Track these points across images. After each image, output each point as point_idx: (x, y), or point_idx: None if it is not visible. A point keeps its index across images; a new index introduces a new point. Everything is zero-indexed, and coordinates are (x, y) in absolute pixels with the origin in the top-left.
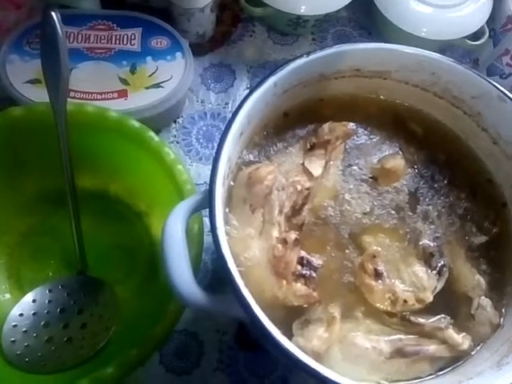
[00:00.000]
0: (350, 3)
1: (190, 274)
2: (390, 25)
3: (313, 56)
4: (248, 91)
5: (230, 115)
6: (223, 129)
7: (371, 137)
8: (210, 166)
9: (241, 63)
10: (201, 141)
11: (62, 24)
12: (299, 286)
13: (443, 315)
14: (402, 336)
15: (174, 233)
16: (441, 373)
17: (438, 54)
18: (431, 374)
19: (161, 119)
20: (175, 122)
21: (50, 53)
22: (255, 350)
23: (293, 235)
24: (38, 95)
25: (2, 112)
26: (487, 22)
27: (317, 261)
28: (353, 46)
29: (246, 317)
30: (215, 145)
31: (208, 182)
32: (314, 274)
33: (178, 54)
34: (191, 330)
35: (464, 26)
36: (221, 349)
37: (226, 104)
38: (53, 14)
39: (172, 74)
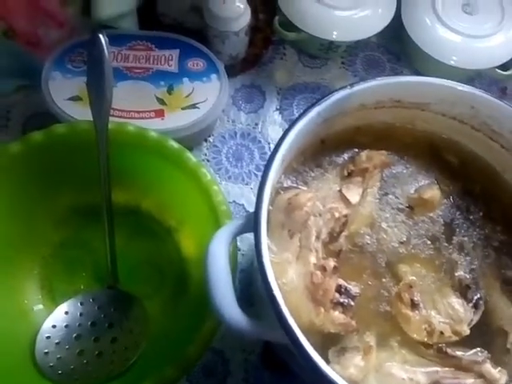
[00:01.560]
0: (380, 30)
1: (233, 299)
2: (419, 52)
3: (356, 88)
4: (293, 121)
5: (275, 144)
6: (268, 157)
7: (407, 166)
8: (239, 185)
9: (271, 85)
10: (230, 160)
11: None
12: (337, 315)
13: (480, 349)
14: (439, 368)
15: (217, 257)
16: None
17: (479, 89)
18: None
19: (193, 138)
20: (206, 140)
21: (96, 73)
22: (281, 370)
23: (332, 263)
24: (79, 112)
25: (46, 129)
26: None
27: (355, 289)
28: (395, 78)
29: (288, 343)
30: (244, 164)
31: (236, 200)
32: (352, 303)
33: (214, 76)
34: (218, 349)
35: (494, 56)
36: (246, 368)
37: (256, 124)
38: (101, 36)
39: (207, 95)
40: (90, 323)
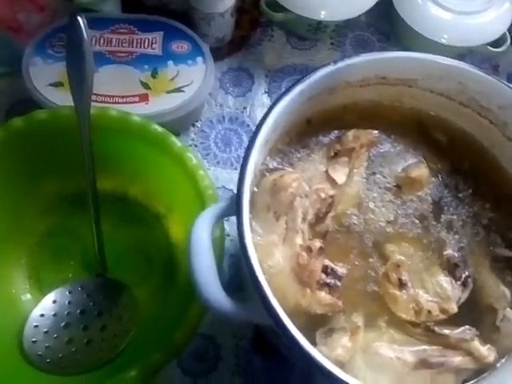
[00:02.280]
0: (369, 9)
1: (217, 282)
2: (409, 30)
3: (340, 64)
4: (275, 99)
5: (258, 123)
6: (250, 137)
7: (395, 145)
8: (228, 170)
9: (259, 67)
10: (219, 145)
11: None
12: (324, 295)
13: (468, 326)
14: (427, 347)
15: (200, 240)
16: None
17: (467, 64)
18: None
19: (180, 123)
20: (194, 125)
21: (75, 57)
22: (271, 354)
23: (317, 243)
24: (61, 98)
25: (27, 115)
26: (509, 29)
27: (341, 270)
28: (380, 54)
29: (272, 324)
30: (233, 149)
31: (225, 185)
32: (338, 283)
33: (199, 59)
34: (208, 334)
35: (485, 32)
36: (237, 353)
37: (244, 108)
38: (79, 18)
39: (193, 78)
40: (78, 311)
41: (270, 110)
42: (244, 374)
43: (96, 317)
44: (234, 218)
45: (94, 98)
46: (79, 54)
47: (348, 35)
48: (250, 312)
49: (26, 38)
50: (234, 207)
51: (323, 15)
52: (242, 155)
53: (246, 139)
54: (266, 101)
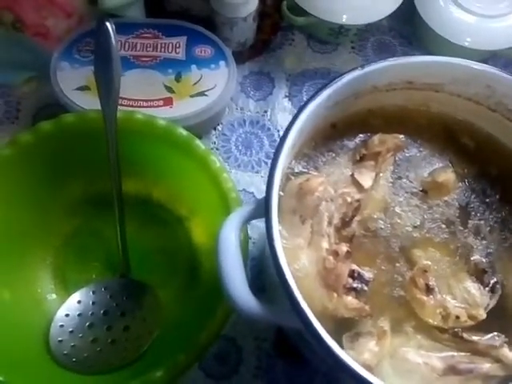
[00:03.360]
0: (391, 12)
1: (245, 284)
2: (432, 34)
3: (367, 69)
4: (303, 104)
5: (286, 126)
6: (278, 141)
7: (421, 149)
8: (249, 173)
9: (280, 71)
10: (240, 148)
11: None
12: (350, 299)
13: (496, 333)
14: (455, 353)
15: (229, 242)
16: None
17: (495, 68)
18: None
19: (203, 126)
20: (215, 129)
21: (103, 62)
22: (293, 358)
23: (344, 248)
24: (87, 102)
25: (55, 119)
26: None
27: (368, 274)
28: (407, 59)
29: (301, 327)
30: (253, 152)
31: (246, 188)
32: (365, 288)
33: (222, 63)
34: (230, 336)
35: (509, 36)
36: (259, 356)
37: (265, 112)
38: (108, 24)
39: (216, 82)
40: (102, 312)
41: (298, 114)
42: (265, 378)
43: (119, 317)
44: (255, 221)
45: (119, 101)
46: (107, 58)
47: (369, 39)
48: (278, 314)
49: (53, 43)
50: (261, 210)
51: (345, 19)
52: (263, 158)
53: (266, 143)
54: (287, 105)
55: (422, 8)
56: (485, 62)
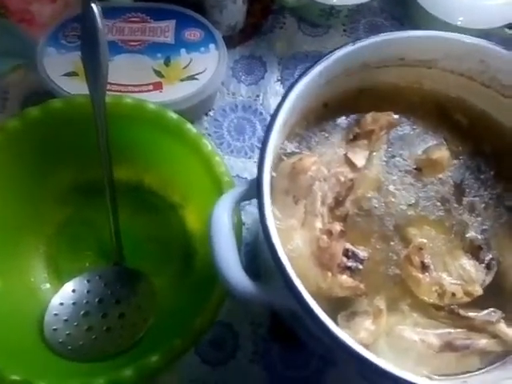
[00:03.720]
0: None
1: (238, 264)
2: (424, 13)
3: (359, 44)
4: (294, 81)
5: (278, 103)
6: (269, 119)
7: (414, 127)
8: (242, 159)
9: (271, 55)
10: (232, 133)
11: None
12: (345, 278)
13: (493, 309)
14: (451, 330)
15: (221, 223)
16: (491, 367)
17: (489, 41)
18: (481, 369)
19: (194, 111)
20: (207, 114)
21: (90, 46)
22: (289, 341)
23: (338, 226)
24: (75, 88)
25: (42, 104)
26: None
27: (362, 253)
28: (399, 33)
29: (296, 307)
30: (246, 137)
31: (239, 174)
32: (360, 266)
33: (212, 46)
34: (226, 322)
35: (502, 14)
36: (255, 341)
37: (257, 96)
38: (93, 6)
39: (206, 66)
40: (97, 300)
41: (289, 91)
42: (262, 362)
43: (114, 305)
44: (249, 207)
45: (108, 87)
46: (94, 43)
47: (361, 21)
48: (273, 294)
49: (38, 29)
50: (253, 191)
51: (335, 0)
52: (256, 143)
53: (259, 127)
54: (279, 88)
55: None
56: None
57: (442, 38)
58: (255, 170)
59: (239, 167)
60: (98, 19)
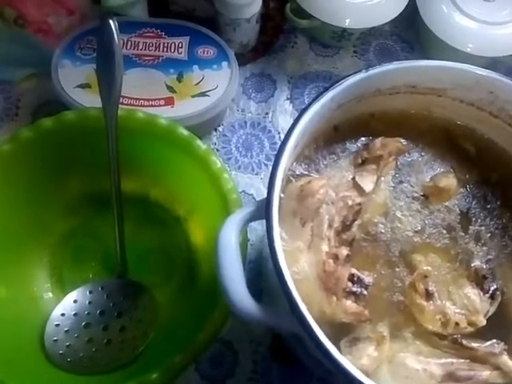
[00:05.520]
0: (394, 17)
1: (244, 286)
2: (434, 39)
3: (371, 72)
4: (306, 105)
5: (289, 127)
6: (281, 142)
7: (422, 154)
8: (249, 175)
9: (282, 73)
10: (240, 149)
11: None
12: (350, 304)
13: (496, 340)
14: (454, 360)
15: (229, 244)
16: None
17: (498, 73)
18: None
19: (203, 127)
20: (216, 129)
21: (106, 60)
22: (289, 362)
23: (344, 251)
24: (88, 100)
25: (56, 116)
26: None
27: (368, 278)
28: (412, 62)
29: (300, 331)
30: (254, 154)
31: (246, 190)
32: (364, 292)
33: (224, 64)
34: (227, 339)
35: (511, 43)
36: (255, 359)
37: (266, 114)
38: (111, 21)
39: (218, 83)
40: (98, 312)
41: (301, 115)
42: (261, 381)
43: (115, 318)
44: (253, 223)
45: (120, 100)
46: (109, 56)
47: (372, 43)
48: (277, 318)
49: (54, 40)
50: (261, 212)
51: (348, 23)
52: (263, 160)
53: (267, 145)
54: (288, 107)
55: (424, 13)
56: (486, 68)
57: (453, 68)
58: (261, 187)
59: (246, 183)
60: (115, 34)
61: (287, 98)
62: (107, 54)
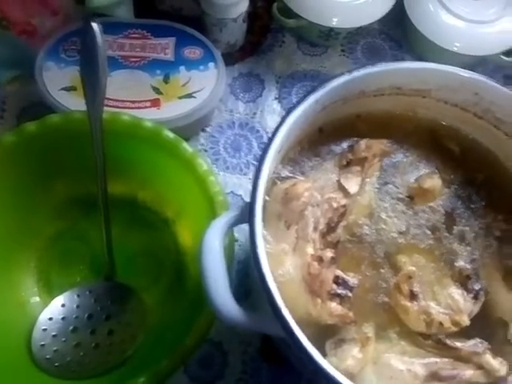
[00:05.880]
0: (381, 16)
1: (228, 291)
2: (421, 38)
3: (355, 74)
4: (290, 108)
5: (273, 131)
6: (264, 145)
7: (407, 155)
8: (237, 176)
9: (270, 73)
10: (228, 150)
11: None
12: (335, 306)
13: (479, 339)
14: (438, 359)
15: (212, 249)
16: None
17: (483, 75)
18: None
19: (190, 128)
20: (203, 130)
21: (89, 62)
22: (278, 362)
23: (329, 253)
24: (73, 102)
25: (40, 120)
26: None
27: (352, 280)
28: (397, 64)
29: (283, 335)
30: (242, 154)
31: (234, 191)
32: (349, 294)
33: (211, 65)
34: (216, 341)
35: (498, 42)
36: (244, 360)
37: (254, 114)
38: (93, 24)
39: (204, 84)
40: (86, 315)
41: (285, 119)
42: (250, 382)
43: (103, 321)
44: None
45: (105, 102)
46: (93, 58)
47: (359, 42)
48: (260, 321)
49: (38, 41)
50: (246, 216)
51: (335, 22)
52: (252, 161)
53: (255, 145)
54: (277, 107)
55: (411, 12)
56: (473, 67)
57: (438, 70)
58: (250, 187)
59: (234, 184)
60: (98, 36)
61: (275, 98)
62: (91, 56)
